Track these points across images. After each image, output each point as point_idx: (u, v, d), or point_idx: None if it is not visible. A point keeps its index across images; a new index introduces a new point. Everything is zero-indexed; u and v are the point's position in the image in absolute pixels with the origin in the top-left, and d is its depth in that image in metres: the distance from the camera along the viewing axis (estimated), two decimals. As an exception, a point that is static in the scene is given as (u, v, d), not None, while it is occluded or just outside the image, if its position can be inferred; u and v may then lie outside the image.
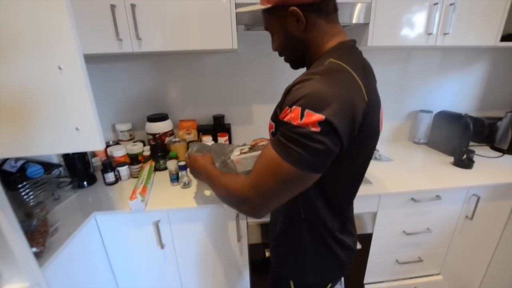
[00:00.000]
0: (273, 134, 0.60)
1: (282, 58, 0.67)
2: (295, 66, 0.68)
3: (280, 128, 0.51)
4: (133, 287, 1.16)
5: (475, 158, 1.30)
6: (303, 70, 0.62)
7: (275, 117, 0.58)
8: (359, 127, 0.50)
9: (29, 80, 0.49)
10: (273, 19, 0.61)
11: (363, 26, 1.14)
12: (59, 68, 0.49)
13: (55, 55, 0.48)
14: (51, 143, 0.54)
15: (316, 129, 0.46)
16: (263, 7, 0.58)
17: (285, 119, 0.49)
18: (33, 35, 0.47)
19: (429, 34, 1.16)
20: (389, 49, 1.44)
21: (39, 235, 0.78)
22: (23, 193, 0.99)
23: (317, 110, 0.45)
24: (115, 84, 1.39)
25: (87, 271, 0.96)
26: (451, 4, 1.12)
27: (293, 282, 0.71)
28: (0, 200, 0.60)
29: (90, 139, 0.54)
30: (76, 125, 0.53)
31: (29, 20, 0.46)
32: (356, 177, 0.65)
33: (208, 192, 1.08)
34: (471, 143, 1.46)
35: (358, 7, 1.06)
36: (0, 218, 0.59)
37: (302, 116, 0.46)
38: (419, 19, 1.14)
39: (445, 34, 1.17)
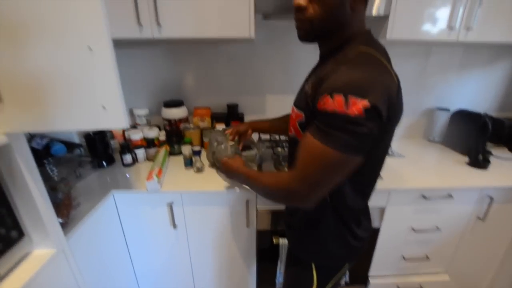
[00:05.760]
0: (301, 124, 0.62)
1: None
2: (309, 39, 0.62)
3: (320, 117, 0.52)
4: (146, 263, 1.23)
5: (492, 159, 1.27)
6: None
7: (306, 107, 0.59)
8: (392, 108, 0.52)
9: (60, 59, 0.52)
10: None
11: (383, 19, 1.12)
12: (89, 48, 0.52)
13: (85, 35, 0.51)
14: (78, 120, 0.58)
15: (362, 114, 0.47)
16: None
17: (328, 109, 0.50)
18: (64, 16, 0.50)
19: (452, 28, 1.13)
20: (408, 43, 1.40)
21: (64, 207, 0.84)
22: (48, 169, 1.05)
23: (361, 96, 0.47)
24: (133, 69, 1.43)
25: (105, 244, 1.03)
26: (477, -2, 1.08)
27: (314, 264, 0.74)
28: (33, 172, 0.66)
29: (115, 117, 0.58)
30: (103, 104, 0.56)
31: (60, 2, 0.49)
32: (379, 160, 0.66)
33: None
34: (489, 144, 1.42)
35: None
36: (32, 189, 0.65)
37: (346, 103, 0.48)
38: (442, 12, 1.11)
39: (468, 29, 1.13)
